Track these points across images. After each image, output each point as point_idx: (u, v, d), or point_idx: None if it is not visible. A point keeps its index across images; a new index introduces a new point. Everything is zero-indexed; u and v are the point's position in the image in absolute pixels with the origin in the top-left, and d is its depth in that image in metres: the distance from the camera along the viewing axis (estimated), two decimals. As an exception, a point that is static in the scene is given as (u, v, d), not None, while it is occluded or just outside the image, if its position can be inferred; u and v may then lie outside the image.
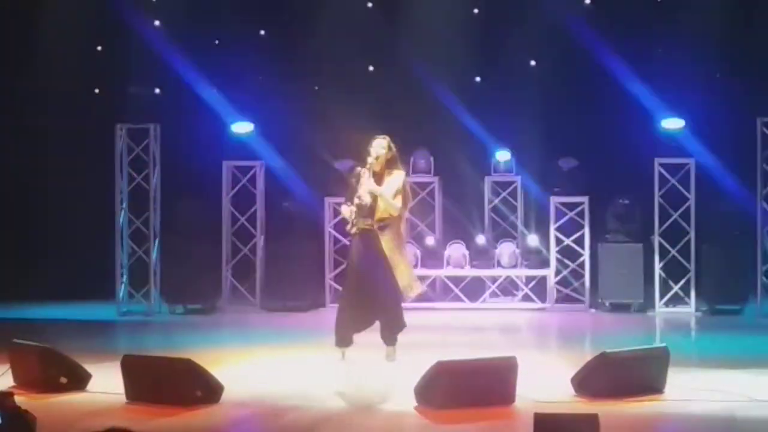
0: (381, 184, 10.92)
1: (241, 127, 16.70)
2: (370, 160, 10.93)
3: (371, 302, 10.86)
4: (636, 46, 16.76)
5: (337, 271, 16.06)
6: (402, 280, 10.89)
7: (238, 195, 16.66)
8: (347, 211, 10.97)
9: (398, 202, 10.95)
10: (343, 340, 11.08)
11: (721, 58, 16.66)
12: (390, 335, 11.06)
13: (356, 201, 10.87)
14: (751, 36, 16.62)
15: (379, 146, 10.99)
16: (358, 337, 11.15)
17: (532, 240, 16.84)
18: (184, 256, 15.95)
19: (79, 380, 9.75)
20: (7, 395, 7.46)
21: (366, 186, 10.88)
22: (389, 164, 11.03)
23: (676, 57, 16.65)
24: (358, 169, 11.08)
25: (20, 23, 16.98)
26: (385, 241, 10.88)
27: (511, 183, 17.26)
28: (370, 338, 11.22)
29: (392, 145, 11.07)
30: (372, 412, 9.02)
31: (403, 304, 11.14)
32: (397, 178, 10.97)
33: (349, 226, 11.02)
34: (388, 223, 10.96)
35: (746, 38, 16.63)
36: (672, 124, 16.11)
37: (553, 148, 16.85)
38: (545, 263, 16.50)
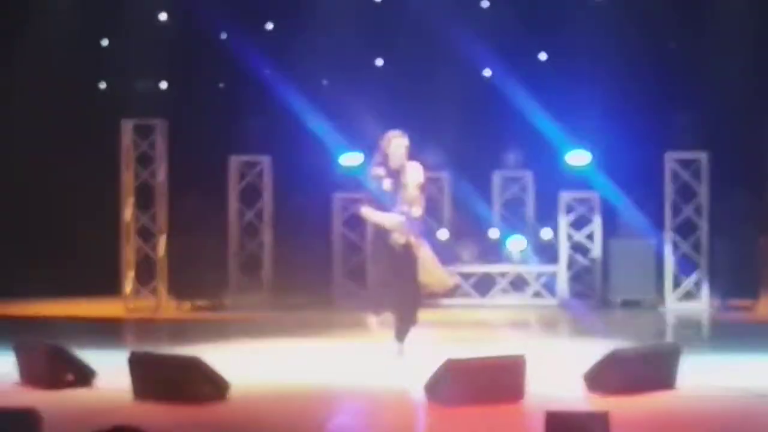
0: (401, 178, 10.79)
1: None
2: (396, 163, 10.78)
3: (395, 290, 10.76)
4: None
5: (345, 268, 16.00)
6: (436, 277, 10.83)
7: (245, 190, 16.57)
8: (396, 223, 10.78)
9: (421, 198, 10.88)
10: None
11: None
12: (402, 331, 10.94)
13: (402, 214, 10.69)
14: None
15: (402, 146, 10.83)
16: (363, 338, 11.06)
17: (546, 233, 16.70)
18: (191, 252, 15.89)
19: (85, 377, 9.71)
20: None
21: (408, 196, 10.69)
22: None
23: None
24: (383, 176, 10.88)
25: (24, 17, 16.92)
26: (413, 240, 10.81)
27: (520, 178, 17.14)
28: (379, 334, 11.16)
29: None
30: (381, 409, 8.96)
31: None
32: (416, 171, 10.84)
33: (402, 239, 10.75)
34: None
35: None
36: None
37: (564, 143, 16.72)
38: (555, 259, 16.39)
